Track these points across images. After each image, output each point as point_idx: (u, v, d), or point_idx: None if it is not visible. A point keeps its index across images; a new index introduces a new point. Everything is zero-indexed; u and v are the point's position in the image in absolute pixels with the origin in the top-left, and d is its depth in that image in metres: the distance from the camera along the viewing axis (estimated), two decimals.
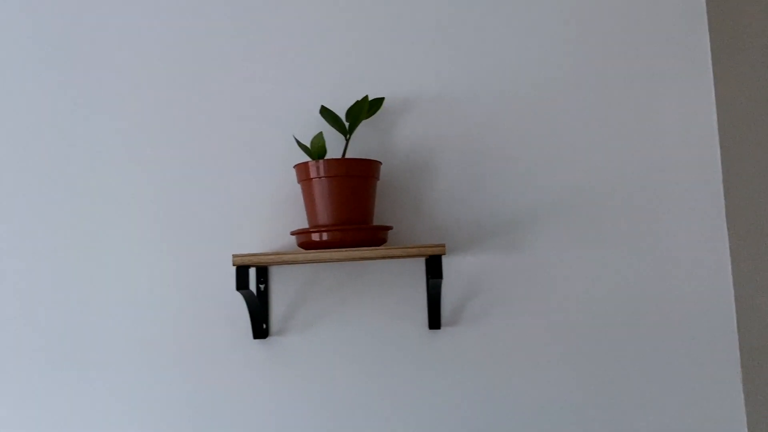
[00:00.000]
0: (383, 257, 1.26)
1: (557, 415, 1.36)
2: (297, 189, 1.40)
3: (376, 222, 1.38)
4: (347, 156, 1.36)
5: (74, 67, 1.46)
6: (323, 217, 1.29)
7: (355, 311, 1.40)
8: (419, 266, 1.41)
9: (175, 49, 1.45)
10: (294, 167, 1.33)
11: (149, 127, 1.44)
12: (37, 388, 1.39)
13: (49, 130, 1.45)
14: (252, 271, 1.39)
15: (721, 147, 1.41)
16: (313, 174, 1.29)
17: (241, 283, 1.23)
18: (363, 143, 1.41)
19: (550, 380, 1.37)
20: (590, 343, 1.37)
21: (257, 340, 1.38)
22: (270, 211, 1.41)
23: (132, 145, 1.44)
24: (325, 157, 1.33)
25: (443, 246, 1.23)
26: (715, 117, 1.42)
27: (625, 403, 1.36)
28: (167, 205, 1.42)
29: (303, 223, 1.40)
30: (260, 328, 1.36)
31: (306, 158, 1.37)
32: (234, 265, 1.22)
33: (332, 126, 1.37)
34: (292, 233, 1.31)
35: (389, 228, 1.32)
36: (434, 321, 1.37)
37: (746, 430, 1.34)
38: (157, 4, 1.46)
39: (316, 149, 1.32)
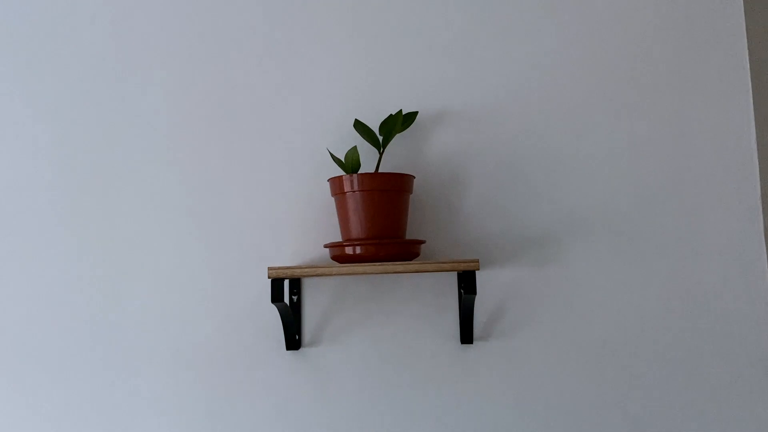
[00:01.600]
0: (416, 271, 1.26)
1: (589, 430, 1.35)
2: (329, 202, 1.41)
3: (408, 235, 1.39)
4: (380, 169, 1.37)
5: (113, 86, 1.49)
6: (356, 231, 1.30)
7: (386, 323, 1.41)
8: (451, 280, 1.41)
9: (210, 64, 1.48)
10: (328, 181, 1.34)
11: (185, 141, 1.46)
12: (72, 394, 1.41)
13: (89, 144, 1.48)
14: (285, 282, 1.40)
15: (759, 158, 1.39)
16: (347, 188, 1.30)
17: (276, 296, 1.24)
18: (396, 157, 1.42)
19: (583, 396, 1.36)
20: (624, 359, 1.36)
21: (290, 351, 1.40)
22: (303, 223, 1.43)
23: (169, 160, 1.46)
24: (359, 171, 1.34)
25: (477, 261, 1.23)
26: (753, 127, 1.40)
27: (659, 421, 1.34)
28: (202, 217, 1.44)
29: (335, 236, 1.41)
30: (293, 339, 1.38)
31: (340, 172, 1.38)
32: (269, 277, 1.24)
33: (365, 139, 1.38)
34: (326, 246, 1.33)
35: (422, 242, 1.32)
36: (466, 335, 1.37)
37: None
38: (192, 18, 1.49)
39: (351, 163, 1.33)
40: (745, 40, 1.42)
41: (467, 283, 1.25)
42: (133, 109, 1.48)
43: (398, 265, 1.23)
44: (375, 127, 1.38)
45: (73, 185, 1.47)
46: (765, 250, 1.37)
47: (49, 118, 1.49)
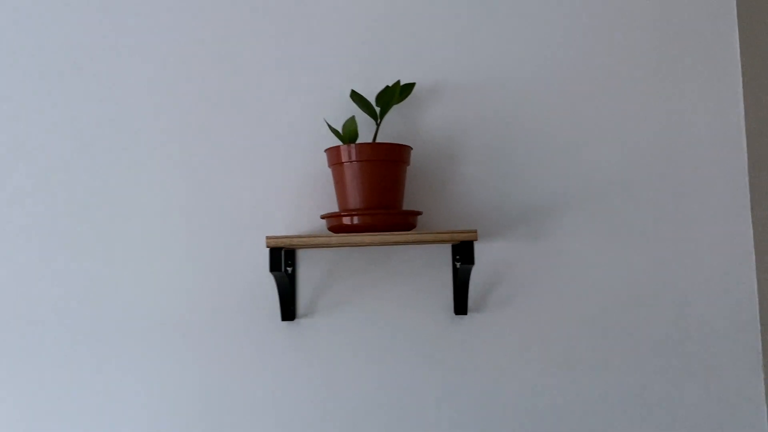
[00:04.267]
0: (415, 242, 1.27)
1: (582, 401, 1.38)
2: (325, 173, 1.40)
3: (405, 207, 1.39)
4: (377, 140, 1.37)
5: (107, 52, 1.46)
6: (354, 201, 1.29)
7: (380, 295, 1.41)
8: (445, 252, 1.42)
9: (207, 33, 1.45)
10: (325, 151, 1.34)
11: (182, 112, 1.44)
12: (65, 368, 1.40)
13: (83, 113, 1.45)
14: (281, 255, 1.39)
15: (747, 140, 1.42)
16: (344, 158, 1.29)
17: (275, 265, 1.24)
18: (393, 128, 1.42)
19: (574, 365, 1.38)
20: (613, 329, 1.39)
21: (285, 322, 1.40)
22: (298, 194, 1.42)
23: (165, 130, 1.43)
24: (356, 142, 1.33)
25: (475, 232, 1.24)
26: (742, 108, 1.43)
27: (649, 388, 1.38)
28: (198, 187, 1.42)
29: (330, 207, 1.40)
30: (288, 309, 1.38)
31: (337, 142, 1.37)
32: (267, 246, 1.23)
33: (362, 110, 1.37)
34: (323, 217, 1.32)
35: (419, 213, 1.32)
36: (461, 306, 1.38)
37: (766, 424, 1.37)
38: None
39: (348, 133, 1.33)
40: (737, 27, 1.44)
41: (465, 254, 1.26)
42: (130, 79, 1.45)
43: (397, 236, 1.24)
44: (372, 97, 1.38)
45: (66, 155, 1.44)
46: (751, 230, 1.40)
47: (44, 96, 1.45)
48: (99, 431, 1.38)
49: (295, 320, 1.40)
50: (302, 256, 1.42)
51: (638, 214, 1.41)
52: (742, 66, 1.43)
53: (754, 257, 1.40)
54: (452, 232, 1.24)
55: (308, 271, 1.42)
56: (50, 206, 1.43)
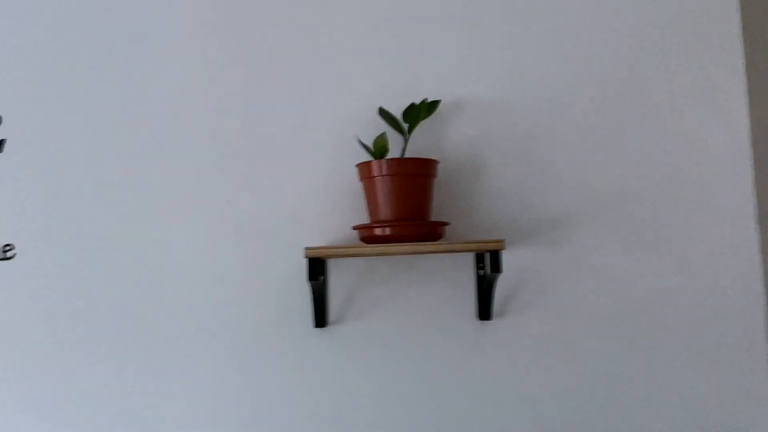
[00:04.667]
0: (445, 251, 1.34)
1: (603, 404, 1.44)
2: (354, 185, 1.47)
3: (433, 218, 1.46)
4: (405, 155, 1.44)
5: (139, 60, 1.53)
6: (385, 213, 1.36)
7: (407, 302, 1.48)
8: (468, 259, 1.49)
9: (244, 51, 1.52)
10: (357, 166, 1.41)
11: (222, 131, 1.51)
12: (103, 372, 1.46)
13: (120, 123, 1.51)
14: (318, 265, 1.46)
15: (754, 152, 1.50)
16: (375, 172, 1.37)
17: (313, 274, 1.31)
18: (420, 142, 1.49)
19: (595, 370, 1.45)
20: (632, 334, 1.46)
21: (318, 329, 1.46)
22: (329, 206, 1.49)
23: (206, 146, 1.50)
24: (386, 157, 1.40)
25: (502, 241, 1.31)
26: (748, 121, 1.50)
27: (661, 395, 1.45)
28: (237, 199, 1.49)
29: (359, 219, 1.47)
30: (321, 317, 1.44)
31: (367, 157, 1.44)
32: (306, 257, 1.30)
33: (390, 126, 1.44)
34: (355, 228, 1.39)
35: (446, 224, 1.39)
36: (485, 312, 1.45)
37: None
38: (218, 7, 1.53)
39: (379, 149, 1.40)
40: (741, 41, 1.52)
41: (493, 262, 1.33)
42: (168, 93, 1.51)
43: (428, 245, 1.31)
44: (399, 114, 1.45)
45: (105, 162, 1.50)
46: (757, 235, 1.48)
47: (78, 98, 1.52)
48: None
49: (327, 327, 1.47)
50: (332, 265, 1.48)
51: (653, 223, 1.49)
52: (747, 78, 1.51)
53: (760, 260, 1.47)
54: (480, 242, 1.31)
55: (338, 279, 1.48)
56: (82, 212, 1.49)
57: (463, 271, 1.49)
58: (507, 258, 1.47)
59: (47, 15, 1.53)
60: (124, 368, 1.46)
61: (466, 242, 1.30)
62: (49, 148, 1.50)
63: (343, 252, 1.31)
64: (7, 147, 1.48)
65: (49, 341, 1.46)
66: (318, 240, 1.47)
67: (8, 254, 1.45)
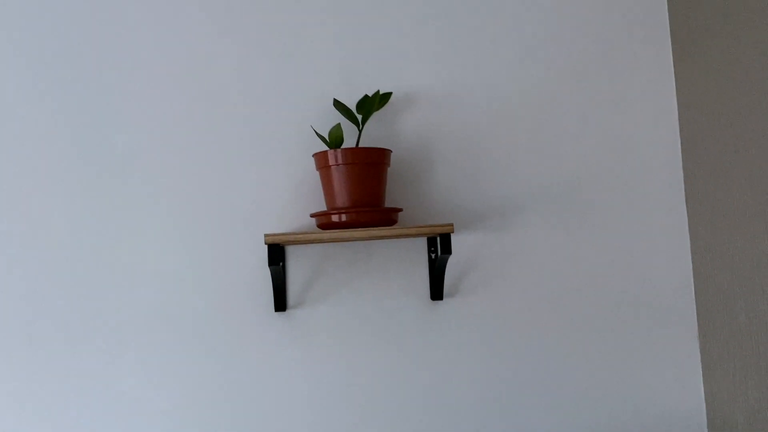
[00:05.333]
0: (398, 236, 1.41)
1: (547, 378, 1.55)
2: (311, 174, 1.53)
3: (387, 204, 1.53)
4: (360, 144, 1.50)
5: (104, 54, 1.54)
6: (341, 200, 1.43)
7: (363, 286, 1.55)
8: (421, 244, 1.57)
9: (199, 45, 1.56)
10: (313, 155, 1.47)
11: (178, 118, 1.54)
12: (64, 359, 1.48)
13: (83, 111, 1.53)
14: (278, 250, 1.51)
15: (682, 143, 1.63)
16: (331, 162, 1.43)
17: (273, 260, 1.36)
18: (373, 133, 1.55)
19: (539, 343, 1.56)
20: (573, 311, 1.57)
21: (278, 313, 1.52)
22: (286, 195, 1.54)
23: (161, 133, 1.53)
24: (341, 147, 1.47)
25: (452, 225, 1.39)
26: (676, 115, 1.63)
27: (599, 367, 1.57)
28: (197, 186, 1.53)
29: (317, 206, 1.53)
30: (281, 301, 1.50)
31: (323, 147, 1.50)
32: (266, 243, 1.35)
33: (344, 116, 1.50)
34: (313, 215, 1.45)
35: (399, 210, 1.47)
36: (437, 292, 1.54)
37: (702, 380, 1.58)
38: (179, 1, 1.56)
39: (334, 139, 1.46)
40: (669, 23, 1.65)
41: (443, 245, 1.41)
42: (129, 84, 1.54)
43: (383, 230, 1.38)
44: (353, 105, 1.51)
45: (66, 151, 1.51)
46: (686, 217, 1.61)
47: (50, 98, 1.52)
48: (96, 423, 1.47)
49: (287, 311, 1.53)
50: (291, 251, 1.54)
51: (593, 209, 1.60)
52: (676, 71, 1.64)
53: (689, 244, 1.60)
54: (432, 226, 1.39)
55: (297, 265, 1.54)
56: (48, 203, 1.50)
57: (416, 256, 1.57)
58: (457, 242, 1.56)
59: None
60: (82, 354, 1.48)
61: (419, 227, 1.38)
62: (11, 128, 1.51)
63: (301, 238, 1.37)
64: None
65: (13, 320, 1.47)
66: (278, 227, 1.53)
67: None
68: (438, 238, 1.46)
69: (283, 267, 1.53)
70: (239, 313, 1.51)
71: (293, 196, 1.54)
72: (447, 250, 1.41)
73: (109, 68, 1.54)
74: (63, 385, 1.47)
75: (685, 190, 1.61)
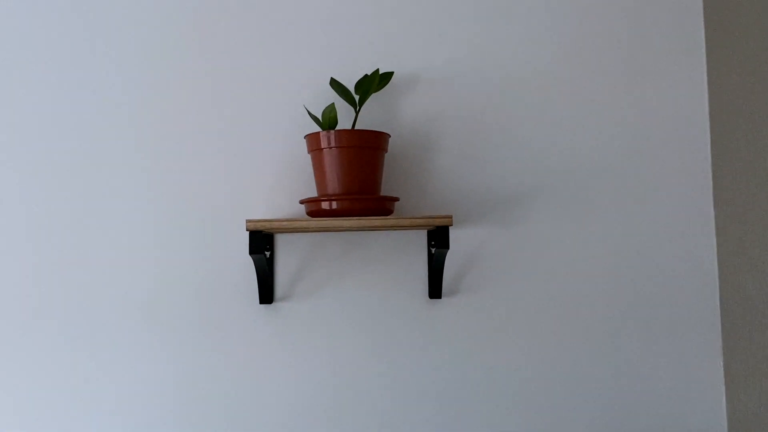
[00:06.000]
0: (392, 227, 1.30)
1: (551, 380, 1.43)
2: (304, 159, 1.42)
3: (383, 193, 1.42)
4: (356, 127, 1.40)
5: (84, 41, 1.46)
6: (332, 187, 1.32)
7: (357, 279, 1.44)
8: (421, 238, 1.45)
9: (188, 22, 1.46)
10: (305, 137, 1.36)
11: (163, 97, 1.45)
12: (46, 354, 1.40)
13: (58, 95, 1.45)
14: (261, 238, 1.41)
15: (711, 128, 1.48)
16: (324, 144, 1.32)
17: (254, 248, 1.26)
18: (371, 116, 1.44)
19: (544, 347, 1.44)
20: (580, 312, 1.45)
21: (263, 305, 1.42)
22: (278, 180, 1.44)
23: (145, 114, 1.45)
24: (336, 128, 1.36)
25: (450, 217, 1.27)
26: (706, 95, 1.48)
27: (612, 368, 1.44)
28: (178, 172, 1.44)
29: (309, 193, 1.43)
30: (266, 293, 1.40)
31: (316, 129, 1.40)
32: (248, 230, 1.25)
33: (341, 97, 1.40)
34: (302, 201, 1.35)
35: (396, 199, 1.36)
36: (435, 290, 1.42)
37: (724, 398, 1.43)
38: None
39: (327, 120, 1.35)
40: (702, 19, 1.50)
41: (440, 238, 1.29)
42: (108, 66, 1.45)
43: (374, 220, 1.27)
44: (351, 86, 1.40)
45: (42, 141, 1.44)
46: (712, 209, 1.47)
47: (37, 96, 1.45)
48: (76, 419, 1.39)
49: (273, 304, 1.43)
50: (281, 240, 1.44)
51: (608, 201, 1.47)
52: (707, 50, 1.49)
53: (715, 246, 1.46)
54: (428, 218, 1.27)
55: (286, 255, 1.44)
56: (29, 196, 1.43)
57: (415, 250, 1.45)
58: (460, 236, 1.45)
59: None
60: (63, 349, 1.41)
61: (413, 218, 1.26)
62: (12, 117, 1.44)
63: (286, 226, 1.27)
64: None
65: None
66: (266, 214, 1.43)
67: None
68: (437, 231, 1.34)
69: (272, 257, 1.43)
70: (222, 305, 1.42)
71: (285, 181, 1.44)
72: (444, 244, 1.29)
73: (87, 51, 1.46)
74: (36, 381, 1.40)
75: (713, 189, 1.47)
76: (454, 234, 1.44)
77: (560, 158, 1.47)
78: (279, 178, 1.44)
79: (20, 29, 1.46)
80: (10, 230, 1.42)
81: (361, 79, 1.38)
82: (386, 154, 1.38)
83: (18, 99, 1.45)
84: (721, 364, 1.44)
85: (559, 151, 1.47)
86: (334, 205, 1.30)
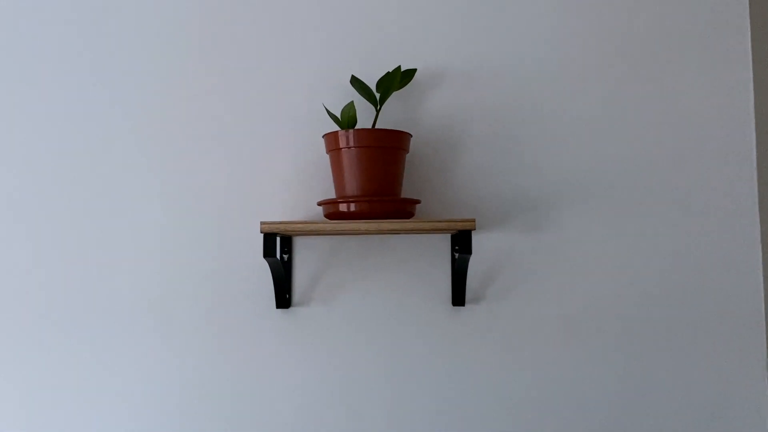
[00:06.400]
0: (412, 230, 1.25)
1: (583, 393, 1.35)
2: (323, 159, 1.38)
3: (403, 195, 1.36)
4: (377, 127, 1.34)
5: (102, 39, 1.44)
6: (351, 188, 1.27)
7: (377, 284, 1.39)
8: (444, 242, 1.39)
9: (205, 18, 1.43)
10: (323, 137, 1.32)
11: (180, 96, 1.42)
12: (57, 353, 1.39)
13: (75, 94, 1.43)
14: (277, 241, 1.37)
15: (757, 132, 1.39)
16: (342, 144, 1.27)
17: (269, 251, 1.22)
18: (392, 114, 1.39)
19: (573, 359, 1.36)
20: (615, 322, 1.36)
21: (280, 310, 1.38)
22: (295, 180, 1.40)
23: (162, 114, 1.42)
24: (355, 128, 1.31)
25: (473, 221, 1.21)
26: (752, 100, 1.39)
27: (649, 381, 1.35)
28: (194, 171, 1.41)
29: (328, 194, 1.38)
30: (283, 297, 1.36)
31: (335, 128, 1.35)
32: (262, 232, 1.21)
33: (362, 96, 1.35)
34: (320, 203, 1.30)
35: (417, 201, 1.30)
36: (458, 297, 1.36)
37: None
38: None
39: (347, 119, 1.30)
40: (748, 17, 1.40)
41: (463, 243, 1.23)
42: (126, 65, 1.43)
43: (394, 223, 1.22)
44: (372, 83, 1.35)
45: (58, 140, 1.42)
46: (757, 212, 1.37)
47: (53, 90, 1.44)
48: (94, 419, 1.37)
49: (290, 308, 1.38)
50: (299, 243, 1.40)
51: (639, 206, 1.38)
52: (753, 56, 1.40)
53: (760, 251, 1.36)
54: (450, 221, 1.21)
55: (304, 258, 1.40)
56: (45, 195, 1.42)
57: (437, 254, 1.39)
58: (484, 241, 1.38)
59: None
60: (78, 349, 1.39)
61: (434, 221, 1.21)
62: (21, 118, 1.43)
63: (302, 228, 1.22)
64: None
65: (9, 313, 1.39)
66: (283, 216, 1.38)
67: None
68: (459, 236, 1.28)
69: (290, 259, 1.39)
70: (238, 309, 1.38)
71: (303, 182, 1.40)
72: (467, 249, 1.23)
73: (108, 48, 1.44)
74: (51, 380, 1.38)
75: (759, 193, 1.37)
76: (479, 238, 1.37)
77: (590, 161, 1.39)
78: (298, 179, 1.40)
79: (33, 28, 1.45)
80: (29, 232, 1.41)
81: (382, 76, 1.33)
82: (407, 155, 1.33)
83: (33, 99, 1.44)
84: (767, 373, 1.34)
85: (589, 153, 1.39)
86: (353, 207, 1.25)
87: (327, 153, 1.32)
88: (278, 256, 1.37)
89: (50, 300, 1.40)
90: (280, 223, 1.21)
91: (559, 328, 1.37)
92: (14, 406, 1.38)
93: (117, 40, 1.44)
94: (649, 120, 1.39)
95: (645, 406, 1.35)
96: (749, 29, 1.40)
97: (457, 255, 1.34)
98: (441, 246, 1.39)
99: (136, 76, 1.43)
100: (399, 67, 1.32)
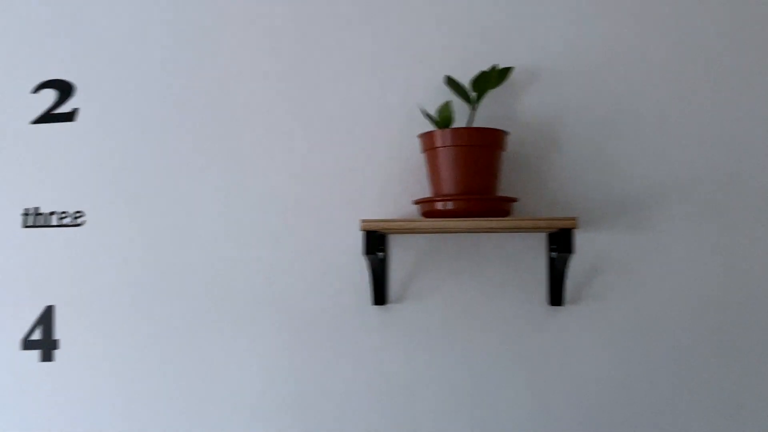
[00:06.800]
0: (510, 228, 1.24)
1: (678, 397, 1.30)
2: (414, 159, 1.39)
3: (500, 193, 1.36)
4: (473, 126, 1.35)
5: (211, 45, 1.51)
6: (448, 186, 1.28)
7: (473, 282, 1.39)
8: (539, 241, 1.38)
9: (301, 22, 1.48)
10: (419, 136, 1.33)
11: (280, 99, 1.47)
12: (163, 344, 1.46)
13: (188, 95, 1.51)
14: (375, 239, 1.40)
15: None
16: (438, 143, 1.28)
17: (369, 248, 1.25)
18: (488, 112, 1.39)
19: (675, 361, 1.31)
20: (715, 327, 1.31)
21: (377, 307, 1.40)
22: (390, 180, 1.42)
23: (262, 115, 1.47)
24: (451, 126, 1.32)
25: (574, 219, 1.20)
26: None
27: (751, 382, 1.29)
28: (293, 170, 1.45)
29: (421, 193, 1.39)
30: (380, 294, 1.38)
31: (430, 128, 1.36)
32: (362, 230, 1.24)
33: (457, 95, 1.35)
34: (416, 202, 1.32)
35: (514, 200, 1.29)
36: (556, 297, 1.34)
37: None
38: None
39: (443, 118, 1.32)
40: None
41: (563, 242, 1.22)
42: (231, 71, 1.49)
43: (492, 222, 1.22)
44: (466, 82, 1.36)
45: (174, 135, 1.49)
46: None
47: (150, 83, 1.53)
48: (197, 410, 1.44)
49: (387, 305, 1.41)
50: (394, 241, 1.42)
51: (745, 208, 1.32)
52: None
53: None
54: (550, 219, 1.20)
55: (400, 256, 1.42)
56: (149, 197, 1.49)
57: (534, 254, 1.38)
58: (583, 241, 1.36)
59: None
60: (186, 341, 1.45)
61: (534, 219, 1.20)
62: (121, 119, 1.51)
63: (401, 226, 1.24)
64: (80, 116, 1.51)
65: (115, 309, 1.48)
66: (379, 214, 1.41)
67: (78, 221, 1.48)
68: (559, 234, 1.26)
69: (385, 257, 1.41)
70: (335, 305, 1.42)
71: (397, 181, 1.42)
72: (567, 248, 1.21)
73: (212, 56, 1.51)
74: (156, 370, 1.46)
75: None
76: (576, 238, 1.35)
77: (694, 160, 1.34)
78: (391, 179, 1.42)
79: (108, 33, 1.52)
80: (133, 234, 1.49)
81: (478, 75, 1.33)
82: (504, 153, 1.32)
83: (139, 101, 1.52)
84: None
85: (692, 153, 1.34)
86: (449, 205, 1.26)
87: (423, 152, 1.33)
88: (376, 253, 1.40)
89: (161, 292, 1.47)
90: (381, 221, 1.24)
91: (664, 333, 1.33)
92: (124, 400, 1.47)
93: (216, 43, 1.50)
94: (754, 119, 1.33)
95: (749, 409, 1.28)
96: None
97: (555, 254, 1.32)
98: (535, 245, 1.38)
99: (238, 78, 1.48)
100: (495, 66, 1.32)
